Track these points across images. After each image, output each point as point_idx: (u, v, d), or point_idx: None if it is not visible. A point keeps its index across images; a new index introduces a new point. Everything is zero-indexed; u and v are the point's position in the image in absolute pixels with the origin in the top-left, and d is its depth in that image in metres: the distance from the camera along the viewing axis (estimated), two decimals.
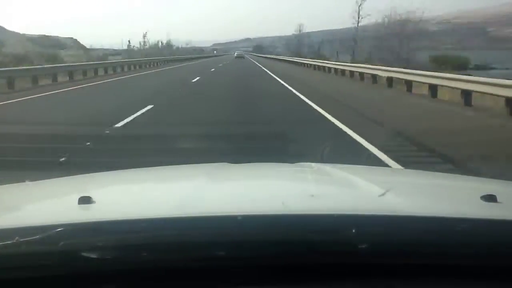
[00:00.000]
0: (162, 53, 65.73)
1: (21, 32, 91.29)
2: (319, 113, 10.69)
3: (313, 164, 1.86)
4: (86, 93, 17.43)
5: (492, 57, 51.29)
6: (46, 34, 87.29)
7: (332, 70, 27.17)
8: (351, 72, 23.15)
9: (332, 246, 0.94)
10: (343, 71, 24.83)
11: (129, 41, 73.68)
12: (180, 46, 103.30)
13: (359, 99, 13.77)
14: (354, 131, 8.03)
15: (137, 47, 71.66)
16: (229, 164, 1.82)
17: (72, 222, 0.98)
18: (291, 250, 0.94)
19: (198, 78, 23.96)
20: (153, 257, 0.92)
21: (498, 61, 45.14)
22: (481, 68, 36.53)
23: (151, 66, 42.97)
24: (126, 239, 0.93)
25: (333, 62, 29.52)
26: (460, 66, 31.38)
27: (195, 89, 18.14)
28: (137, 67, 37.78)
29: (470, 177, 1.88)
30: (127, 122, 9.17)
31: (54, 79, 22.06)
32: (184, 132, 8.16)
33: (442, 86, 13.43)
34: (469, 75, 14.73)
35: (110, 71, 30.66)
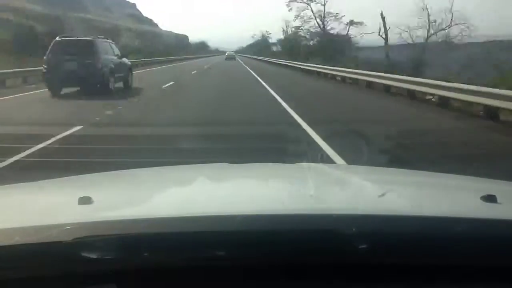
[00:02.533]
0: None
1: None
2: None
3: (313, 164, 1.86)
4: None
5: None
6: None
7: None
8: None
9: (332, 246, 0.94)
10: None
11: None
12: None
13: None
14: None
15: None
16: (228, 164, 1.82)
17: (72, 222, 0.98)
18: (290, 250, 0.94)
19: None
20: (153, 257, 0.92)
21: None
22: None
23: None
24: (126, 239, 0.93)
25: None
26: None
27: None
28: None
29: (470, 177, 1.87)
30: None
31: None
32: None
33: None
34: None
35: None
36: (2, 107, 11.96)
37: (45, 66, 14.30)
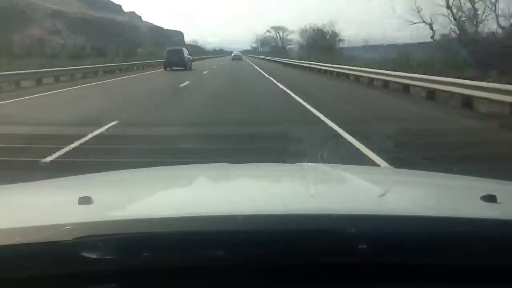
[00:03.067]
0: None
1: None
2: None
3: (313, 164, 1.86)
4: None
5: None
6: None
7: None
8: None
9: (332, 246, 0.94)
10: None
11: None
12: None
13: None
14: None
15: None
16: (229, 164, 1.82)
17: (72, 222, 0.99)
18: (291, 250, 0.94)
19: None
20: (153, 257, 0.92)
21: None
22: None
23: None
24: (126, 239, 0.93)
25: None
26: None
27: None
28: None
29: (470, 177, 1.87)
30: None
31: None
32: None
33: None
34: None
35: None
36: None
37: (164, 59, 34.35)
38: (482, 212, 1.13)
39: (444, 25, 28.28)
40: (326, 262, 0.95)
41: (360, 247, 0.91)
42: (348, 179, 1.58)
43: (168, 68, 33.11)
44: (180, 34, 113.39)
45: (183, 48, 36.83)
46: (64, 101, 14.03)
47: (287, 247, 0.93)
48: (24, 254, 0.92)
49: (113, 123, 8.38)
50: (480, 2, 26.32)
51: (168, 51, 34.73)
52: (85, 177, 1.86)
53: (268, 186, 1.58)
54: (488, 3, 26.11)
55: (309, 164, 1.85)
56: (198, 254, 0.93)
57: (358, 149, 6.44)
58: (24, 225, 0.99)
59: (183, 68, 32.77)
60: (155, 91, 16.94)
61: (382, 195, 1.24)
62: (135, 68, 36.05)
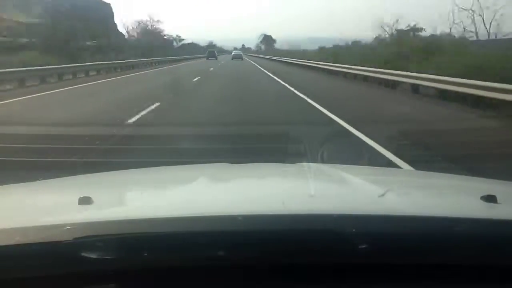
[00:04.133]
0: None
1: None
2: None
3: (313, 164, 1.86)
4: None
5: None
6: None
7: None
8: None
9: (332, 246, 0.94)
10: None
11: None
12: None
13: None
14: None
15: None
16: (229, 164, 1.82)
17: (72, 222, 0.99)
18: (291, 250, 0.94)
19: None
20: (153, 257, 0.92)
21: None
22: None
23: None
24: (126, 239, 0.93)
25: None
26: None
27: None
28: None
29: (470, 177, 1.87)
30: None
31: None
32: None
33: None
34: None
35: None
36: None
37: (206, 54, 69.30)
38: (482, 212, 1.13)
39: None
40: (326, 262, 0.95)
41: (360, 247, 0.91)
42: (348, 179, 1.58)
43: (209, 58, 61.84)
44: (107, 7, 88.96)
45: (215, 51, 71.97)
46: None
47: (287, 247, 0.93)
48: (25, 254, 0.92)
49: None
50: None
51: (208, 52, 68.56)
52: (85, 177, 1.86)
53: (268, 186, 1.58)
54: None
55: (309, 164, 1.85)
56: (198, 254, 0.93)
57: None
58: (24, 225, 0.99)
59: (215, 58, 61.61)
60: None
61: (382, 195, 1.24)
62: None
